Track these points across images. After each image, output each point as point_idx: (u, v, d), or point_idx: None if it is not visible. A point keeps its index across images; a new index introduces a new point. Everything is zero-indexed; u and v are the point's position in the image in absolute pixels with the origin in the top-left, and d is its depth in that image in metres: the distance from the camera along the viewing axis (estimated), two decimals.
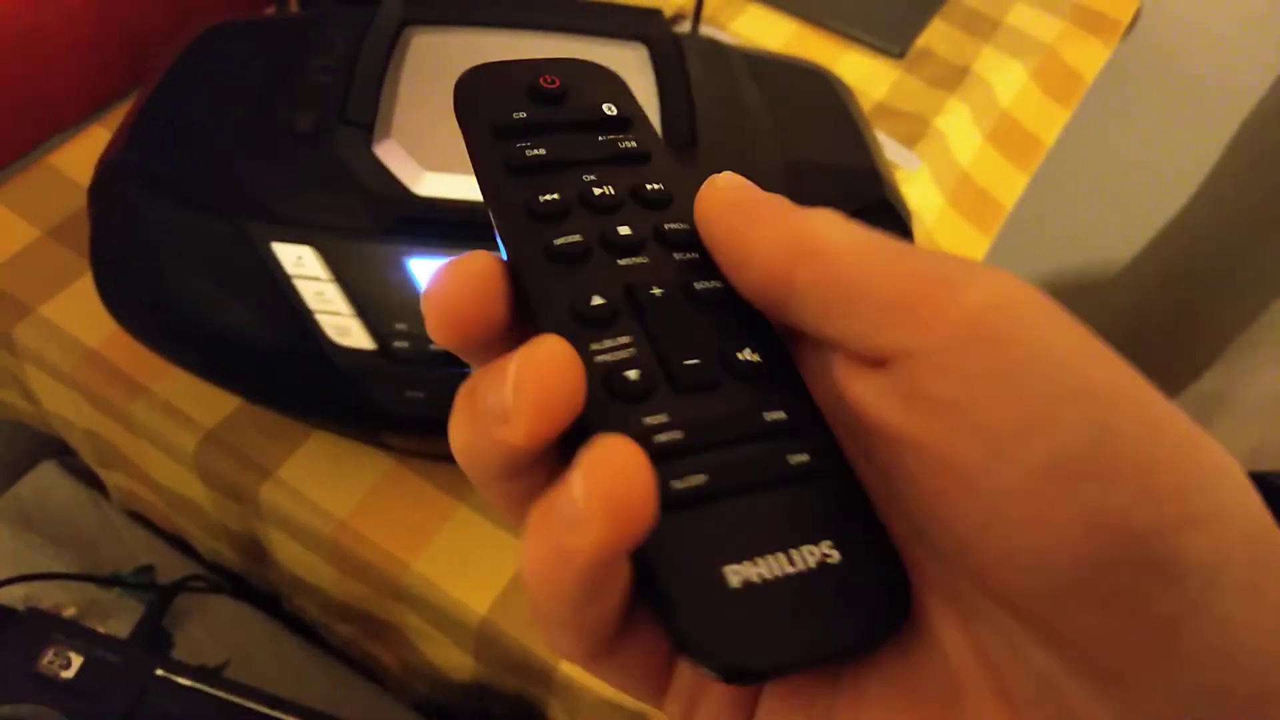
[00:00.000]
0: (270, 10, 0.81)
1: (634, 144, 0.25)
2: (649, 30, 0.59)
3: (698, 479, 0.20)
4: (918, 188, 0.80)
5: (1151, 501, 0.17)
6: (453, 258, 0.21)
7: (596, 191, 0.24)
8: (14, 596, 0.72)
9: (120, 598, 0.76)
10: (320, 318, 0.50)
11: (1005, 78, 0.90)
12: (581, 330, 0.22)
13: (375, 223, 0.50)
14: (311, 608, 0.72)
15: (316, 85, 0.53)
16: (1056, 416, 0.17)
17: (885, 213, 0.56)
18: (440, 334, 0.21)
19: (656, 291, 0.22)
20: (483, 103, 0.25)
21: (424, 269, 0.50)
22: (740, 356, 0.22)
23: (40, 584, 0.72)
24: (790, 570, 0.19)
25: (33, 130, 0.75)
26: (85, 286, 0.64)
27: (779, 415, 0.21)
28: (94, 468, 0.76)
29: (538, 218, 0.23)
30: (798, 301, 0.20)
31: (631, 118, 0.26)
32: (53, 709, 0.56)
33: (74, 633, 0.60)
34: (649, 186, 0.24)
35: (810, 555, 0.19)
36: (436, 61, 0.56)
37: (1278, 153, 1.15)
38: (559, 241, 0.23)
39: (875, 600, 0.20)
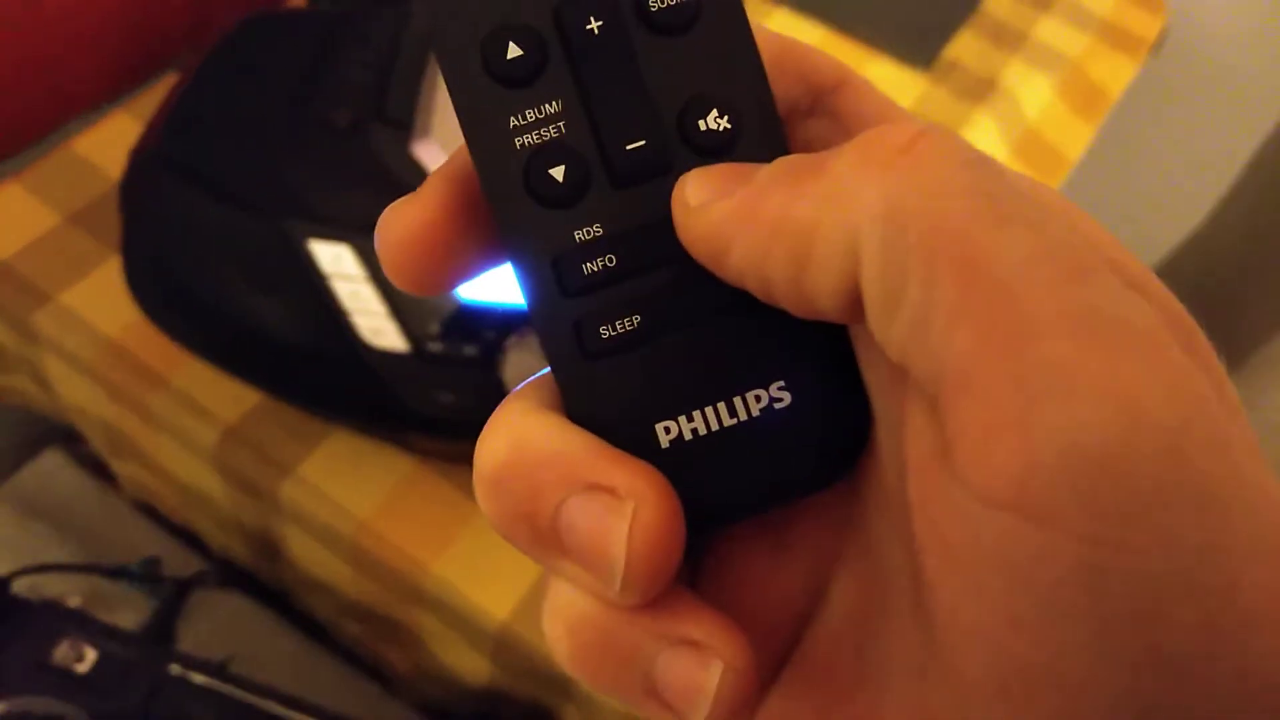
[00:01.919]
0: (300, 1, 0.80)
1: None
2: None
3: (630, 321, 0.17)
4: None
5: None
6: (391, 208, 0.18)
7: None
8: (19, 585, 0.71)
9: (125, 589, 0.75)
10: (355, 317, 0.49)
11: (1031, 92, 0.89)
12: (497, 92, 0.17)
13: None
14: (322, 606, 0.71)
15: (355, 81, 0.53)
16: (1106, 688, 0.13)
17: None
18: (404, 283, 0.18)
19: (594, 25, 0.17)
20: None
21: None
22: (705, 124, 0.17)
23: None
24: (730, 422, 0.17)
25: (52, 114, 0.74)
26: (106, 274, 0.64)
27: None
28: (105, 457, 0.75)
29: None
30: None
31: None
32: (67, 702, 0.55)
33: (87, 625, 0.59)
34: None
35: (756, 401, 0.17)
36: None
37: None
38: None
39: (828, 437, 0.17)
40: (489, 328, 0.50)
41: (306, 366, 0.51)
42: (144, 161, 0.51)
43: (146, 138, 0.52)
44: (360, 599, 0.64)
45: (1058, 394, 0.13)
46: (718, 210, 0.16)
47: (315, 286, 0.48)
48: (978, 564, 0.13)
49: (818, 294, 0.15)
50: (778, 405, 0.17)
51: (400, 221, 0.17)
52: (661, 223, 0.17)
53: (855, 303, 0.15)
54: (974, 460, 0.13)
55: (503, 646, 0.59)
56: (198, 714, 0.58)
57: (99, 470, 0.80)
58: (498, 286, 0.50)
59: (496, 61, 0.17)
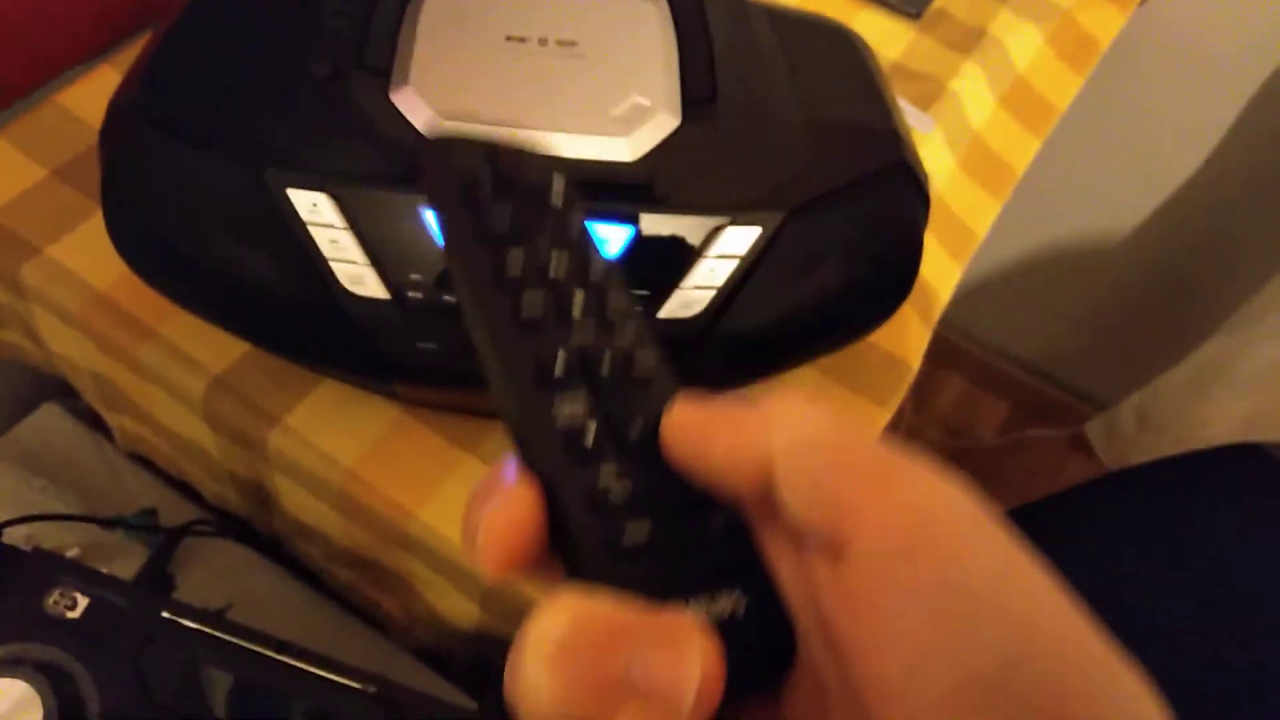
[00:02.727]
0: None
1: (576, 230, 0.28)
2: None
3: (644, 530, 0.23)
4: (931, 150, 0.79)
5: None
6: (484, 505, 0.23)
7: (551, 271, 0.27)
8: (16, 536, 0.72)
9: (122, 540, 0.76)
10: (334, 265, 0.49)
11: (1021, 41, 0.89)
12: (545, 390, 0.25)
13: (391, 171, 0.49)
14: (315, 553, 0.72)
15: (333, 30, 0.52)
16: (969, 637, 0.18)
17: (903, 174, 0.56)
18: (495, 571, 0.23)
19: (606, 360, 0.26)
20: (451, 171, 0.28)
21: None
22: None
23: (42, 524, 0.73)
24: (712, 612, 0.23)
25: (39, 69, 0.74)
26: (93, 227, 0.64)
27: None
28: (99, 410, 0.76)
29: (506, 288, 0.26)
30: (770, 499, 0.22)
31: (572, 205, 0.29)
32: (59, 649, 0.56)
33: (79, 573, 0.60)
34: (592, 269, 0.28)
35: (726, 603, 0.23)
36: (455, 9, 0.55)
37: None
38: (526, 310, 0.26)
39: (772, 644, 0.23)
40: None
41: (288, 316, 0.51)
42: (121, 112, 0.51)
43: (124, 88, 0.52)
44: (350, 546, 0.65)
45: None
46: (682, 422, 0.24)
47: (295, 235, 0.49)
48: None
49: (735, 488, 0.23)
50: (738, 609, 0.23)
51: (502, 527, 0.23)
52: (652, 478, 0.24)
53: (763, 499, 0.22)
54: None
55: (490, 592, 0.60)
56: (193, 659, 0.59)
57: (96, 424, 0.81)
58: None
59: (546, 375, 0.25)
